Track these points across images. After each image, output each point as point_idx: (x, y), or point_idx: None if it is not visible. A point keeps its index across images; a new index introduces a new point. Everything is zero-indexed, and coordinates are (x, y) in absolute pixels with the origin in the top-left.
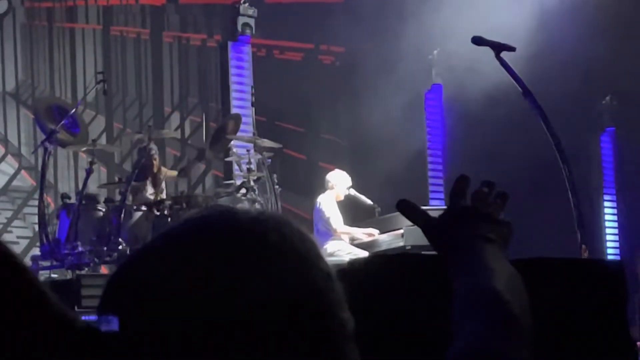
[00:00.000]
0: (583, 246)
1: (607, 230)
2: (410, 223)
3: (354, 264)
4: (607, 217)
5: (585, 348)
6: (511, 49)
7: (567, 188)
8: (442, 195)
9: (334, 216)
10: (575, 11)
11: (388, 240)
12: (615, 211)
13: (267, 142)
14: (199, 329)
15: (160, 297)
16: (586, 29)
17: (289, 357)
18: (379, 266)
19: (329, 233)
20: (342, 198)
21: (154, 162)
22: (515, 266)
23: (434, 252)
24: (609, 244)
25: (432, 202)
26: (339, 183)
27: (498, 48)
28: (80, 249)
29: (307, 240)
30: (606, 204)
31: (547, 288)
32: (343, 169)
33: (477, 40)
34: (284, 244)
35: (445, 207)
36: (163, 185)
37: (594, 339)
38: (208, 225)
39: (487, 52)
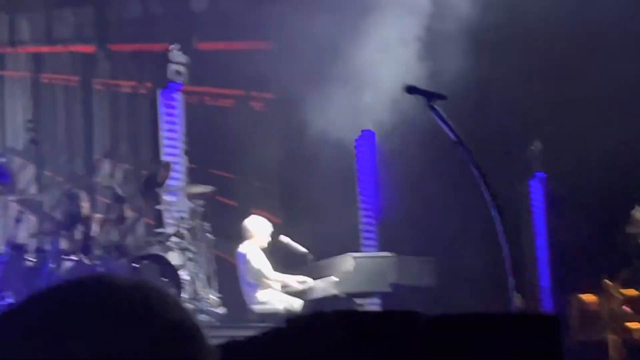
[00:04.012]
0: (518, 294)
1: (539, 275)
2: (344, 269)
3: (295, 324)
4: (539, 262)
5: None
6: (442, 97)
7: (499, 235)
8: (375, 243)
9: (264, 266)
10: (504, 53)
11: (321, 287)
12: (546, 255)
13: (199, 188)
14: None
15: None
16: (515, 73)
17: None
18: (320, 328)
19: (259, 283)
20: (264, 245)
21: (84, 209)
22: (454, 321)
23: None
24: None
25: (364, 248)
26: (258, 231)
27: (429, 97)
28: (9, 300)
29: (190, 315)
30: (538, 250)
31: (486, 344)
32: (275, 215)
33: (410, 90)
34: (167, 315)
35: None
36: (94, 232)
37: None
38: (79, 291)
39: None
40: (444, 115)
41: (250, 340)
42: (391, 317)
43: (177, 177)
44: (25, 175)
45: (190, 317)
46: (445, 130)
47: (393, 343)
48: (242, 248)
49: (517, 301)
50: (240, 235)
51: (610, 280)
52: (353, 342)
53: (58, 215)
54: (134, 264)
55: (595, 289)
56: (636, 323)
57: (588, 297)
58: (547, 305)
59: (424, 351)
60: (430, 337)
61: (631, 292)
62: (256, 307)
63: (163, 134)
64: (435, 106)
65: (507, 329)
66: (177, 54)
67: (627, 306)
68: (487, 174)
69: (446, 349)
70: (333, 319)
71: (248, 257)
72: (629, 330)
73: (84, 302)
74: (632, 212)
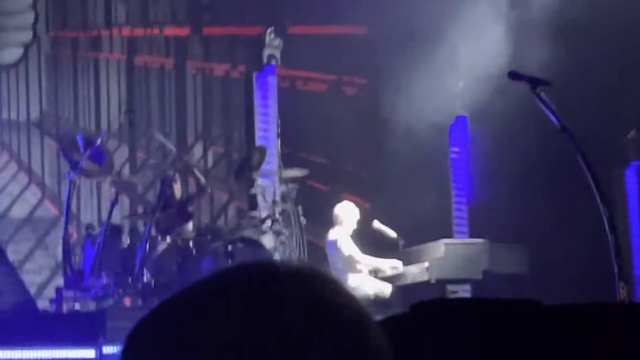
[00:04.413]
0: (621, 283)
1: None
2: (436, 256)
3: (421, 309)
4: (634, 251)
5: None
6: (546, 83)
7: (605, 226)
8: (465, 229)
9: (355, 251)
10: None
11: (412, 273)
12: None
13: (292, 172)
14: None
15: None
16: (609, 61)
17: None
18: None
19: (349, 269)
20: (353, 229)
21: (175, 191)
22: (576, 310)
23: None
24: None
25: (456, 234)
26: (348, 216)
27: (534, 83)
28: (104, 280)
29: (355, 297)
30: (634, 239)
31: (611, 334)
32: (366, 201)
33: (514, 75)
34: (336, 300)
35: (469, 239)
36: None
37: None
38: (247, 282)
39: (512, 84)
40: (548, 102)
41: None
42: (515, 306)
43: (271, 161)
44: (119, 157)
45: (358, 302)
46: (550, 117)
47: (519, 332)
48: (332, 235)
49: (622, 291)
50: (330, 220)
51: None
52: (480, 331)
53: (151, 197)
54: (228, 247)
55: None
56: None
57: None
58: (639, 295)
59: (549, 340)
60: (554, 327)
61: None
62: None
63: (257, 117)
64: (540, 92)
65: (630, 319)
66: (272, 38)
67: None
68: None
69: (570, 338)
70: (458, 307)
71: (339, 243)
72: None
73: (251, 291)
74: None
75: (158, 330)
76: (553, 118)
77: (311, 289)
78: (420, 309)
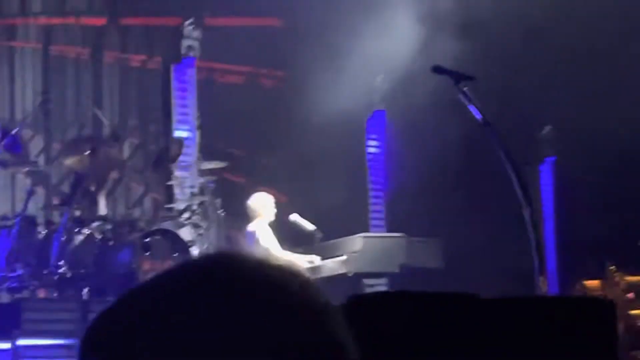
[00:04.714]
0: (541, 278)
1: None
2: (353, 249)
3: (357, 302)
4: (547, 246)
5: None
6: (471, 78)
7: (523, 220)
8: (382, 223)
9: (272, 244)
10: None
11: (330, 266)
12: (553, 240)
13: (210, 164)
14: None
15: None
16: (525, 60)
17: None
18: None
19: None
20: (271, 219)
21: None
22: (511, 303)
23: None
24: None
25: (373, 228)
26: (264, 207)
27: (457, 77)
28: (19, 271)
29: (320, 291)
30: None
31: (544, 326)
32: (283, 193)
33: (438, 70)
34: (304, 294)
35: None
36: (103, 204)
37: None
38: (214, 276)
39: (431, 78)
40: (472, 97)
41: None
42: (449, 299)
43: (189, 152)
44: (34, 147)
45: (325, 296)
46: (472, 111)
47: (456, 324)
48: (251, 226)
49: (542, 285)
50: (247, 213)
51: (615, 267)
52: (417, 322)
53: (66, 188)
54: (145, 239)
55: (600, 275)
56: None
57: (592, 284)
58: (552, 290)
59: (484, 332)
60: (489, 319)
61: (635, 278)
62: None
63: (175, 109)
64: (463, 87)
65: (563, 312)
66: (191, 29)
67: (630, 293)
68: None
69: (505, 331)
70: (395, 299)
71: (257, 235)
72: (632, 317)
73: (216, 284)
74: None
75: (131, 325)
76: (476, 113)
77: (283, 284)
78: (357, 302)
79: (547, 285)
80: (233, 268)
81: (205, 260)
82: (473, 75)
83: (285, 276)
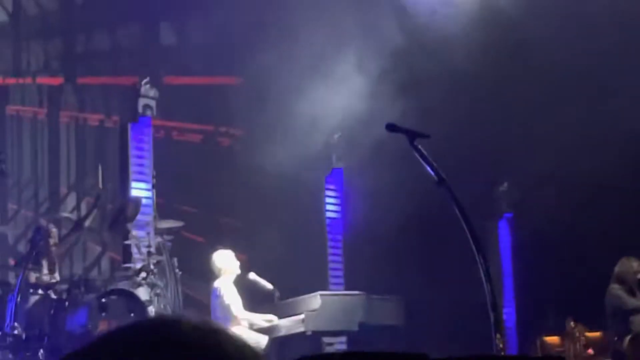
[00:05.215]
0: (497, 335)
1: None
2: (311, 308)
3: None
4: (505, 302)
5: None
6: (425, 136)
7: (481, 273)
8: (341, 280)
9: (234, 302)
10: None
11: (288, 325)
12: (513, 296)
13: (168, 223)
14: None
15: None
16: (475, 116)
17: None
18: None
19: (228, 319)
20: (238, 273)
21: (51, 243)
22: None
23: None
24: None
25: (332, 286)
26: (228, 264)
27: (411, 135)
28: None
29: (256, 353)
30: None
31: None
32: (241, 252)
33: (391, 127)
34: (243, 355)
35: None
36: (56, 266)
37: None
38: (153, 342)
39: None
40: (426, 154)
41: None
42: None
43: (146, 211)
44: None
45: (258, 355)
46: (427, 169)
47: None
48: (217, 283)
49: (498, 342)
50: (207, 271)
51: (575, 323)
52: None
53: (22, 248)
54: (101, 299)
55: (561, 330)
56: None
57: (552, 339)
58: (512, 346)
59: None
60: None
61: (595, 334)
62: None
63: (132, 168)
64: (417, 145)
65: None
66: (148, 88)
67: (589, 349)
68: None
69: None
70: None
71: (221, 292)
72: None
73: (154, 347)
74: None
75: None
76: (430, 170)
77: (216, 345)
78: None
79: (504, 343)
80: (169, 332)
81: (142, 324)
82: (427, 133)
83: (223, 342)
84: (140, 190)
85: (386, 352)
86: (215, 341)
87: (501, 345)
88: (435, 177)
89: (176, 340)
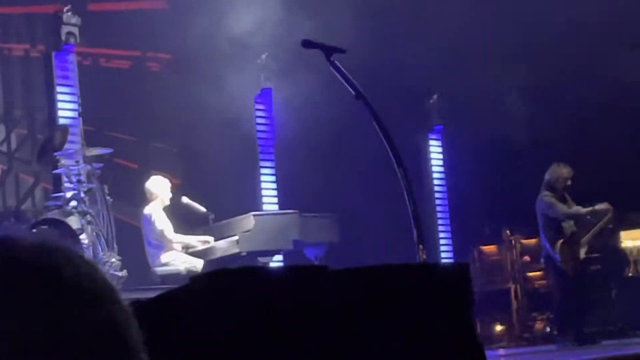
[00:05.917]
0: (420, 246)
1: (440, 229)
2: (245, 228)
3: (199, 281)
4: (439, 215)
5: (434, 354)
6: (341, 51)
7: (403, 189)
8: (275, 200)
9: (167, 227)
10: (398, 13)
11: (223, 247)
12: (446, 208)
13: (95, 151)
14: None
15: None
16: (410, 31)
17: None
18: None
19: (162, 244)
20: (167, 204)
21: None
22: (363, 273)
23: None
24: (442, 242)
25: (264, 206)
26: (161, 191)
27: (328, 51)
28: None
29: (100, 272)
30: (437, 202)
31: (391, 295)
32: (175, 176)
33: (307, 43)
34: (79, 278)
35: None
36: None
37: (442, 344)
38: None
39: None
40: (343, 70)
41: (156, 299)
42: (298, 272)
43: (75, 140)
44: None
45: (102, 277)
46: (345, 85)
47: (302, 297)
48: (147, 209)
49: (421, 253)
50: (141, 197)
51: (510, 231)
52: (260, 298)
53: None
54: (32, 230)
55: (496, 240)
56: (536, 272)
57: (488, 248)
58: (449, 257)
59: (335, 305)
60: (340, 290)
61: (531, 241)
62: (158, 269)
63: (58, 97)
64: (335, 60)
65: (417, 278)
66: (70, 15)
67: (526, 256)
68: (389, 128)
69: (357, 301)
70: (237, 276)
71: (152, 218)
72: (529, 279)
73: None
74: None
75: None
76: (347, 85)
77: (51, 265)
78: (199, 280)
79: (425, 254)
80: (1, 251)
81: None
82: (343, 48)
83: (62, 262)
84: (67, 119)
85: (285, 266)
86: (51, 261)
87: (424, 257)
88: (353, 92)
89: (8, 258)
